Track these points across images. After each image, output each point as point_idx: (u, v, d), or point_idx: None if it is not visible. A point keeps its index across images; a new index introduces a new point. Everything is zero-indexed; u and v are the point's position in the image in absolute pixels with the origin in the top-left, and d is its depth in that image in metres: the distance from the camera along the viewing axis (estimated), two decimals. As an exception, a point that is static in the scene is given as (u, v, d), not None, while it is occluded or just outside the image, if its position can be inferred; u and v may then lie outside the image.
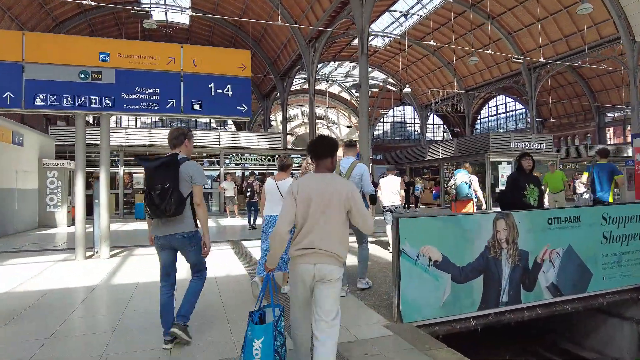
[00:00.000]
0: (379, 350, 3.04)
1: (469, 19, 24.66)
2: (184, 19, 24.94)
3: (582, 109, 32.55)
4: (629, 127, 28.60)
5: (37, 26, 21.09)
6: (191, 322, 3.58)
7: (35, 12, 20.80)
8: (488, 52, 20.84)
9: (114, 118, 33.70)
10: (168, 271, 3.18)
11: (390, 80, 36.95)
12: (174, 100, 6.73)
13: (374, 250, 7.09)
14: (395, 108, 41.95)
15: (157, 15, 23.98)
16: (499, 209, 4.72)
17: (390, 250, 7.27)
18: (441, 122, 43.61)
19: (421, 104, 38.56)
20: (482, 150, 17.45)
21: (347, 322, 3.55)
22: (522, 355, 4.91)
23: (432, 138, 42.02)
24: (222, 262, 6.41)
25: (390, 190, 6.93)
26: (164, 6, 23.73)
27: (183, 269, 3.69)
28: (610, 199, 5.71)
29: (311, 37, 21.60)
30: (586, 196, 5.74)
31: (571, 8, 21.88)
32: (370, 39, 21.05)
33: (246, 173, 19.15)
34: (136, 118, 35.24)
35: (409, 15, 26.52)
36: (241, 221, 13.52)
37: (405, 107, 41.81)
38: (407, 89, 27.43)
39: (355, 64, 32.26)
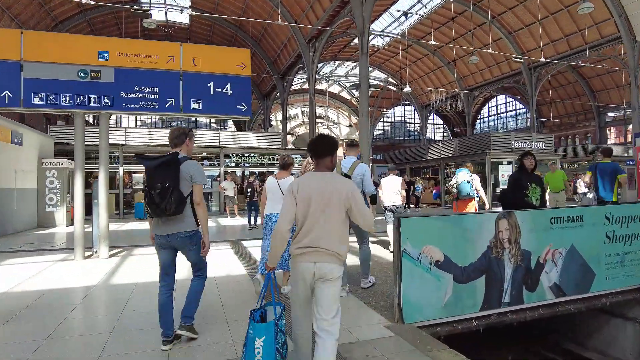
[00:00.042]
0: (380, 351, 3.00)
1: (469, 19, 24.62)
2: (184, 18, 24.90)
3: (582, 109, 32.52)
4: (630, 127, 28.56)
5: (36, 25, 21.05)
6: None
7: (35, 12, 20.77)
8: (488, 51, 20.80)
9: (114, 117, 33.89)
10: (167, 271, 3.16)
11: (390, 79, 36.91)
12: (173, 99, 6.69)
13: (375, 250, 7.05)
14: (395, 108, 41.91)
15: (157, 14, 23.96)
16: (499, 209, 4.68)
17: (391, 249, 7.27)
18: (441, 121, 43.57)
19: (421, 103, 38.53)
20: (483, 150, 17.41)
21: (347, 323, 3.51)
22: (525, 356, 4.88)
23: (433, 138, 41.98)
24: (221, 262, 6.37)
25: (392, 190, 6.90)
26: (163, 5, 23.69)
27: (183, 269, 3.67)
28: (614, 198, 5.68)
29: (311, 36, 21.56)
30: (590, 195, 5.70)
31: (572, 7, 21.83)
32: (370, 38, 21.02)
33: (246, 173, 19.15)
34: (136, 117, 35.22)
35: (409, 15, 26.48)
36: (241, 221, 13.48)
37: (405, 106, 41.77)
38: (407, 89, 27.39)
39: (355, 64, 32.22)
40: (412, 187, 17.89)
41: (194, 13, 16.96)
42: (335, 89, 39.16)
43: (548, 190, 9.93)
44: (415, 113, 40.41)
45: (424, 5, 25.51)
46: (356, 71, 30.86)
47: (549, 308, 4.09)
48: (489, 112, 40.25)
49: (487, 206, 7.58)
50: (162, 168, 2.94)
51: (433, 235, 3.62)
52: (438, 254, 3.59)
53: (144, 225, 12.49)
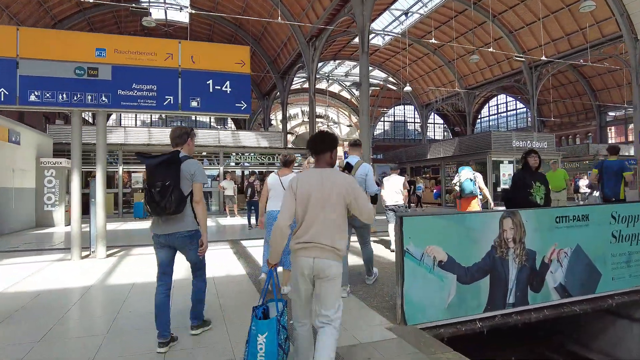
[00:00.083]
0: (382, 354, 2.92)
1: (470, 18, 24.54)
2: (183, 17, 24.82)
3: (583, 108, 32.44)
4: (631, 126, 28.48)
5: (35, 24, 20.94)
6: (186, 324, 3.47)
7: (34, 10, 20.67)
8: (489, 50, 20.71)
9: (113, 117, 33.78)
10: (165, 270, 3.11)
11: (390, 79, 36.83)
12: (171, 97, 6.60)
13: (376, 250, 6.93)
14: (395, 107, 41.83)
15: (157, 13, 23.88)
16: (500, 208, 4.60)
17: (392, 249, 7.20)
18: (442, 121, 43.48)
19: (422, 103, 38.43)
20: (484, 149, 17.33)
21: (348, 324, 3.43)
22: (529, 357, 4.79)
23: (433, 137, 41.89)
24: (220, 262, 6.29)
25: (393, 189, 6.84)
26: (163, 4, 23.60)
27: (180, 269, 3.59)
28: (622, 196, 5.59)
29: (311, 35, 21.48)
30: (596, 194, 5.63)
31: (573, 6, 21.76)
32: (370, 37, 20.91)
33: (246, 172, 19.06)
34: (136, 116, 35.12)
35: (409, 14, 26.38)
36: (241, 220, 13.40)
37: (405, 106, 41.68)
38: (407, 88, 27.30)
39: (355, 63, 32.12)
40: (412, 186, 17.82)
41: (193, 11, 16.85)
42: (335, 88, 39.07)
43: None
44: (416, 112, 40.32)
45: (425, 4, 25.42)
46: (356, 70, 30.80)
47: (554, 309, 4.00)
48: (489, 111, 40.17)
49: (491, 204, 7.52)
50: (163, 166, 2.93)
51: (436, 234, 3.53)
52: (441, 254, 3.50)
53: (143, 224, 12.41)
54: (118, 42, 6.60)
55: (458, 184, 6.62)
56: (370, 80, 20.00)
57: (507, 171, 17.03)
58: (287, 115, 30.10)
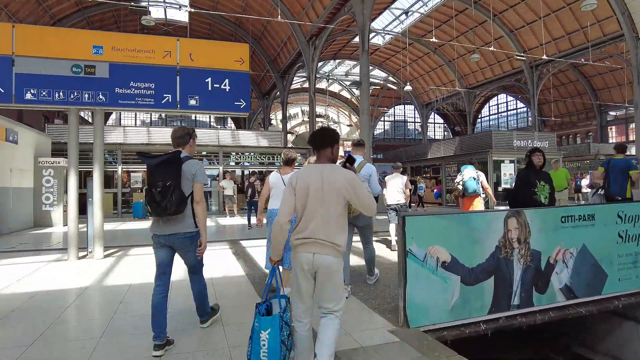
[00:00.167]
0: (385, 358, 2.83)
1: (470, 17, 24.45)
2: (183, 16, 24.72)
3: (583, 108, 32.34)
4: (632, 126, 28.39)
5: (34, 23, 20.81)
6: (184, 326, 3.40)
7: (33, 10, 20.58)
8: (490, 49, 20.63)
9: (113, 116, 33.69)
10: (164, 270, 3.07)
11: (390, 78, 36.74)
12: (169, 95, 6.51)
13: (378, 250, 6.85)
14: (395, 107, 41.75)
15: (156, 12, 23.77)
16: (502, 207, 4.52)
17: (393, 247, 7.12)
18: (442, 121, 43.39)
19: (422, 102, 38.34)
20: (485, 149, 17.24)
21: (350, 327, 3.35)
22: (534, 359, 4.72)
23: (433, 137, 41.81)
24: (219, 263, 6.20)
25: (395, 188, 6.77)
26: (162, 3, 23.51)
27: (178, 269, 3.52)
28: (628, 194, 5.51)
29: (311, 34, 21.39)
30: (601, 192, 5.56)
31: (574, 5, 21.68)
32: (370, 36, 20.81)
33: (246, 172, 18.98)
34: (135, 116, 35.03)
35: (409, 13, 26.29)
36: (240, 220, 13.31)
37: (405, 105, 41.60)
38: (407, 88, 27.22)
39: (355, 62, 32.03)
40: (414, 186, 17.73)
41: (193, 10, 16.75)
42: (335, 87, 38.97)
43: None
44: (416, 112, 40.22)
45: (425, 3, 25.33)
46: (356, 70, 30.68)
47: (559, 311, 3.91)
48: (489, 111, 40.09)
49: (494, 202, 7.44)
50: (164, 166, 2.91)
51: (439, 234, 3.45)
52: (445, 255, 3.42)
53: (142, 224, 12.33)
54: (115, 40, 6.51)
55: (461, 182, 6.55)
56: (370, 79, 19.90)
57: (508, 171, 16.94)
58: (287, 114, 30.02)
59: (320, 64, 29.94)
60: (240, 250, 7.35)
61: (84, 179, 11.36)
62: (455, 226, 3.54)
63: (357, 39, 19.43)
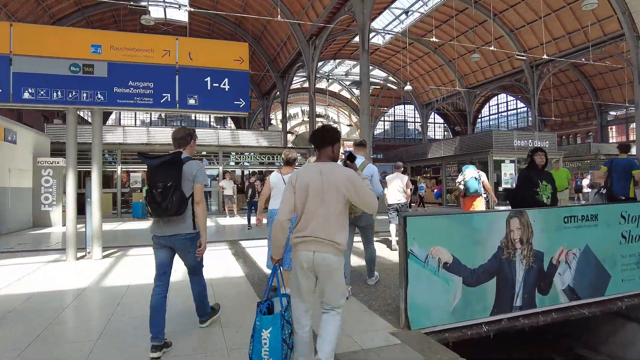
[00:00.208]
0: (386, 360, 2.79)
1: (470, 16, 24.42)
2: (182, 16, 24.68)
3: (584, 107, 32.30)
4: (632, 125, 28.33)
5: (34, 23, 20.81)
6: (183, 327, 3.36)
7: (32, 9, 20.55)
8: (490, 48, 20.58)
9: (113, 116, 33.64)
10: (164, 271, 3.06)
11: (390, 78, 36.69)
12: (168, 95, 6.46)
13: (378, 250, 6.82)
14: (396, 107, 41.70)
15: (156, 12, 23.72)
16: (502, 207, 4.47)
17: (393, 248, 7.08)
18: (442, 120, 43.34)
19: (422, 102, 38.29)
20: (485, 149, 17.20)
21: (350, 329, 3.30)
22: (536, 362, 4.67)
23: (433, 137, 41.76)
24: (219, 263, 6.15)
25: (396, 188, 6.74)
26: (162, 3, 23.46)
27: (178, 270, 3.49)
28: (631, 194, 5.46)
29: (311, 34, 21.34)
30: (604, 191, 5.52)
31: (574, 4, 21.63)
32: (370, 36, 20.77)
33: (246, 172, 18.94)
34: (135, 115, 34.98)
35: (410, 13, 26.25)
36: (240, 221, 13.26)
37: (405, 105, 41.55)
38: (407, 87, 27.16)
39: (355, 62, 31.98)
40: (414, 186, 17.69)
41: (192, 10, 16.71)
42: (335, 87, 38.92)
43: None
44: (416, 112, 40.18)
45: (425, 2, 25.28)
46: (356, 70, 30.62)
47: (562, 312, 3.87)
48: (489, 111, 40.05)
49: (494, 201, 7.41)
50: (165, 167, 2.91)
51: (441, 235, 3.40)
52: (446, 255, 3.37)
53: (141, 225, 12.29)
54: (114, 39, 6.46)
55: (463, 182, 6.51)
56: (370, 79, 19.86)
57: (508, 170, 16.90)
58: (287, 114, 29.98)
59: (320, 63, 29.90)
60: (240, 251, 7.30)
61: (83, 179, 11.34)
62: (457, 226, 3.50)
63: (357, 39, 19.39)
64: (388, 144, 38.84)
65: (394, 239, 7.30)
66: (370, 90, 19.84)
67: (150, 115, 34.67)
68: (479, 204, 6.56)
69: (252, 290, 4.62)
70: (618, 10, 19.36)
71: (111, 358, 2.87)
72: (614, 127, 32.29)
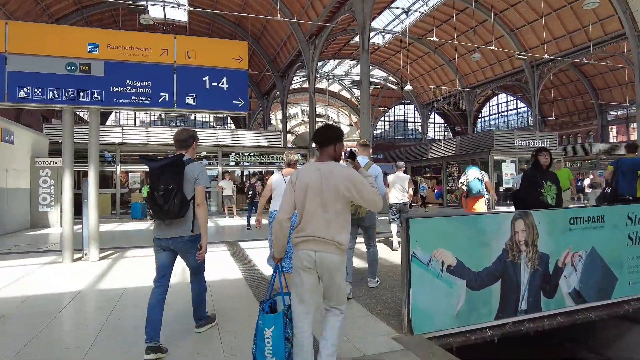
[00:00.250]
0: (389, 367, 2.70)
1: (471, 16, 24.34)
2: (182, 15, 24.61)
3: (584, 107, 32.23)
4: (632, 125, 28.28)
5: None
6: (179, 332, 3.27)
7: (31, 9, 20.45)
8: (491, 48, 20.49)
9: (112, 116, 33.55)
10: (164, 273, 3.03)
11: (391, 78, 36.62)
12: (166, 94, 6.37)
13: (380, 251, 6.73)
14: (396, 107, 41.64)
15: (155, 12, 23.64)
16: (503, 208, 4.39)
17: (393, 248, 6.99)
18: (442, 120, 43.28)
19: (422, 102, 38.21)
20: (486, 149, 17.11)
21: (351, 333, 3.22)
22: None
23: (433, 137, 41.68)
24: (217, 265, 6.06)
25: (398, 187, 6.66)
26: (161, 2, 23.37)
27: (177, 273, 3.41)
28: (638, 194, 5.36)
29: (311, 33, 21.25)
30: (608, 190, 5.44)
31: (575, 4, 21.55)
32: (370, 36, 20.68)
33: (246, 172, 18.85)
34: (135, 115, 34.89)
35: (410, 12, 26.17)
36: (240, 221, 13.17)
37: (406, 105, 41.48)
38: (408, 87, 27.07)
39: (355, 62, 31.90)
40: (415, 186, 17.60)
41: (192, 9, 16.62)
42: (335, 87, 38.85)
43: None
44: (416, 112, 40.10)
45: (425, 2, 25.20)
46: (356, 69, 30.53)
47: (568, 316, 3.78)
48: (489, 111, 39.99)
49: (495, 199, 7.35)
50: (167, 170, 2.89)
51: (444, 237, 3.31)
52: (450, 258, 3.28)
53: (140, 225, 12.19)
54: (111, 37, 6.37)
55: (465, 183, 6.44)
56: (370, 79, 19.78)
57: (509, 170, 16.82)
58: (287, 114, 29.89)
59: (320, 63, 29.82)
60: (239, 252, 7.21)
61: (81, 180, 11.23)
62: (460, 229, 3.41)
63: (357, 39, 19.32)
64: (388, 144, 38.76)
65: (395, 239, 7.22)
66: (371, 90, 19.75)
67: (150, 115, 34.58)
68: (481, 205, 6.49)
69: (251, 293, 4.53)
70: (619, 10, 19.29)
71: (105, 364, 2.79)
72: (614, 127, 32.23)
